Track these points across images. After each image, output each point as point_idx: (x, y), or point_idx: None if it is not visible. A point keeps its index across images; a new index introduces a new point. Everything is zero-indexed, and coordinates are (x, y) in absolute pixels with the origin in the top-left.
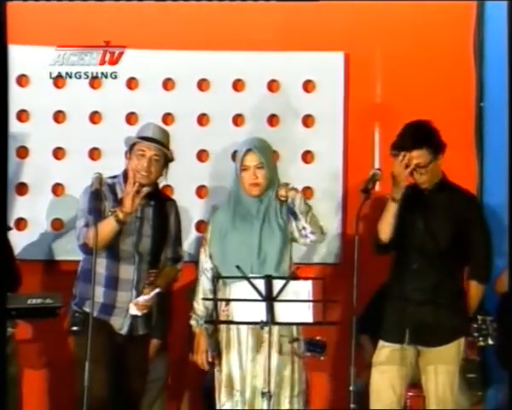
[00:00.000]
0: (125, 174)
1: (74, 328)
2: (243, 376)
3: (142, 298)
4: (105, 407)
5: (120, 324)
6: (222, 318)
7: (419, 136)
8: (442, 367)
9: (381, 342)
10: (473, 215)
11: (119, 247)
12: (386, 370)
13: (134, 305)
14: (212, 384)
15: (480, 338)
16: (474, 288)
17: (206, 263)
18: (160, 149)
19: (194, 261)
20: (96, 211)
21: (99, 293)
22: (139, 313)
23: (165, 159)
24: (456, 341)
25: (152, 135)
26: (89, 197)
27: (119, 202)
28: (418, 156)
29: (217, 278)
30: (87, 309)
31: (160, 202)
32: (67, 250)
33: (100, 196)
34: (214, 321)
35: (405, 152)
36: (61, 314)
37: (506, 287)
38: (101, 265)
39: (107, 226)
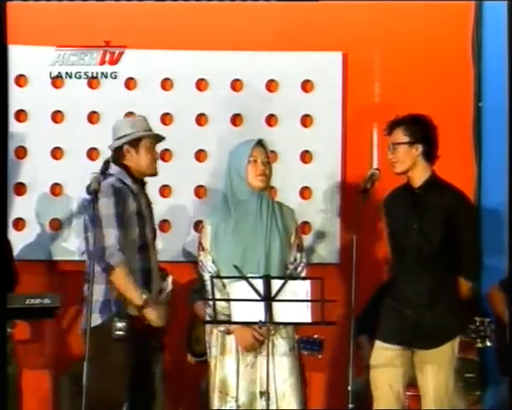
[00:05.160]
0: (128, 169)
1: (119, 333)
2: (239, 382)
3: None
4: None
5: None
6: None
7: (401, 118)
8: (437, 367)
9: (377, 343)
10: (461, 212)
11: (147, 238)
12: (384, 370)
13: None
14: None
15: (478, 340)
16: (462, 284)
17: (210, 268)
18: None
19: (193, 261)
20: (121, 221)
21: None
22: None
23: None
24: (451, 341)
25: (152, 129)
26: (115, 201)
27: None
28: (395, 135)
29: (214, 277)
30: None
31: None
32: (66, 250)
33: (122, 198)
34: (213, 321)
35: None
36: (59, 314)
37: (498, 302)
38: (133, 261)
39: (131, 293)
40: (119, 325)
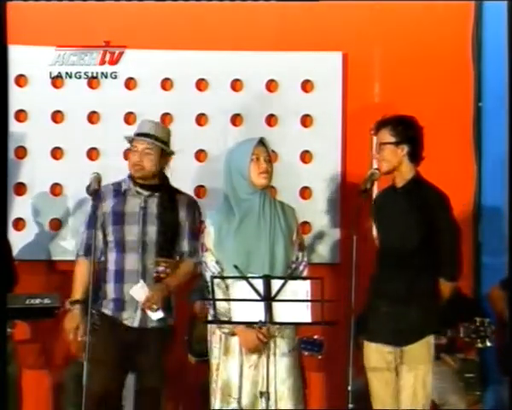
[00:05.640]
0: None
1: (95, 326)
2: (242, 384)
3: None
4: (114, 406)
5: (131, 317)
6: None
7: (387, 118)
8: (413, 367)
9: (365, 343)
10: (440, 212)
11: (124, 238)
12: (377, 370)
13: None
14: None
15: (478, 340)
16: (442, 285)
17: (213, 268)
18: (152, 142)
19: None
20: (92, 219)
21: (110, 289)
22: (154, 316)
23: (162, 152)
24: (425, 340)
25: (143, 130)
26: (92, 200)
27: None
28: (381, 134)
29: (215, 277)
30: (102, 309)
31: (167, 194)
32: (66, 250)
33: (98, 198)
34: (213, 321)
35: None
36: (60, 314)
37: (499, 302)
38: (111, 260)
39: (72, 289)
40: (92, 319)
